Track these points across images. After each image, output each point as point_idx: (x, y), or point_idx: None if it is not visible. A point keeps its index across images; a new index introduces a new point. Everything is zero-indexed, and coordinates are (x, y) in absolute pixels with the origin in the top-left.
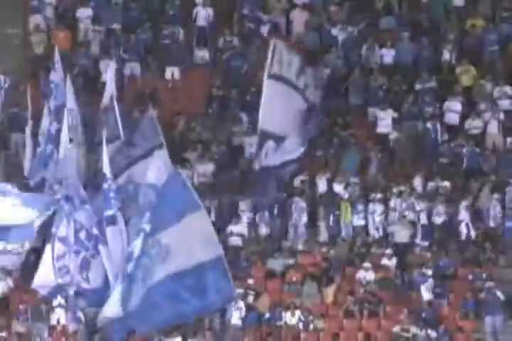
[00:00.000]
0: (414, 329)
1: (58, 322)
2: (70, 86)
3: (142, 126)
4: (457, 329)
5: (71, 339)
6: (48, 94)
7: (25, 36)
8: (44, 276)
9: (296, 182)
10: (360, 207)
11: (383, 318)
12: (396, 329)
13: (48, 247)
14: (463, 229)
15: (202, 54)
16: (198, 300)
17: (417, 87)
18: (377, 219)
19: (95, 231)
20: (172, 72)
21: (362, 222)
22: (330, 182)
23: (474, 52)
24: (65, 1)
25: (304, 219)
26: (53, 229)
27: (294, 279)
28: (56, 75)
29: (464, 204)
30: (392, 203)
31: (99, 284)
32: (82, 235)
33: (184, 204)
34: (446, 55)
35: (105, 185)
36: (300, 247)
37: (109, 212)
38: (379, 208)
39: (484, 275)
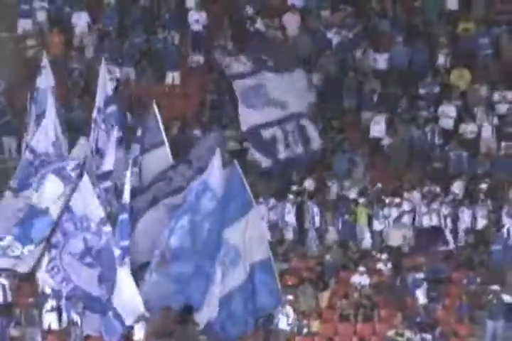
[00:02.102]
0: (408, 334)
1: (50, 326)
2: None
3: (197, 149)
4: (452, 334)
5: None
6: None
7: (19, 40)
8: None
9: (308, 186)
10: (381, 211)
11: (378, 322)
12: (391, 333)
13: (46, 255)
14: (504, 234)
15: (196, 58)
16: (253, 306)
17: (421, 91)
18: (392, 223)
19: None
20: (173, 77)
21: (382, 227)
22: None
23: (468, 57)
24: (58, 5)
25: (317, 223)
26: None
27: (289, 283)
28: (43, 81)
29: (505, 209)
30: (406, 207)
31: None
32: (94, 253)
33: (243, 201)
34: (440, 59)
35: (124, 216)
36: (314, 251)
37: (124, 243)
38: (394, 212)
39: (478, 279)
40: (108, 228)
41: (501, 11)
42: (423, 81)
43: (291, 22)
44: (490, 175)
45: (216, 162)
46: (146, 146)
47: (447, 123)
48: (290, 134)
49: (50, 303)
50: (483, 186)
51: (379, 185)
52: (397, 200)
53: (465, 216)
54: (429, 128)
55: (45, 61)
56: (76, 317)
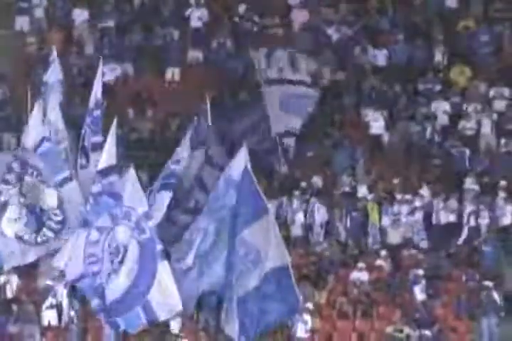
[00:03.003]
0: (407, 330)
1: (49, 323)
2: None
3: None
4: (451, 330)
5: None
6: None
7: (18, 37)
8: (75, 264)
9: (315, 182)
10: (390, 208)
11: (377, 319)
12: (389, 329)
13: (83, 233)
14: None
15: (196, 55)
16: (268, 310)
17: (421, 87)
18: (404, 220)
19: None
20: (172, 73)
21: (390, 223)
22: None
23: (468, 53)
24: (57, 1)
25: (320, 220)
26: (90, 217)
27: None
28: (51, 75)
29: None
30: (417, 204)
31: (114, 297)
32: (106, 245)
33: (257, 206)
34: (440, 57)
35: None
36: (317, 248)
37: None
38: (405, 209)
39: (478, 276)
40: (152, 223)
41: (501, 8)
42: (423, 78)
43: (299, 18)
44: (488, 172)
45: (242, 153)
46: (192, 146)
47: (442, 118)
48: None
49: (50, 300)
50: (503, 183)
51: (385, 181)
52: (407, 197)
53: (485, 213)
54: (428, 125)
55: (54, 55)
56: (74, 314)
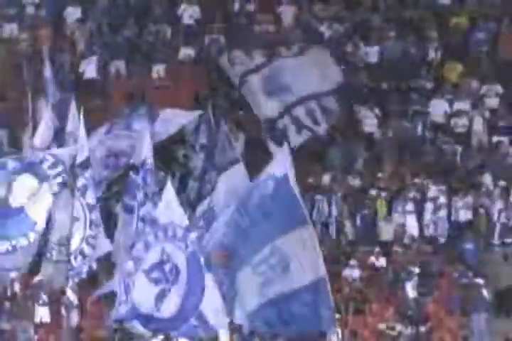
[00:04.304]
0: (400, 327)
1: (41, 320)
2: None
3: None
4: (443, 327)
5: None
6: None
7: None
8: None
9: (325, 179)
10: (400, 205)
11: (369, 316)
12: (382, 326)
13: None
14: None
15: (188, 52)
16: (301, 323)
17: (413, 84)
18: (428, 217)
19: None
20: (158, 70)
21: (402, 221)
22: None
23: (460, 50)
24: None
25: (324, 217)
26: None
27: None
28: (47, 71)
29: None
30: (441, 200)
31: (171, 313)
32: (167, 267)
33: (294, 215)
34: (432, 53)
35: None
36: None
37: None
38: (430, 206)
39: (470, 273)
40: (193, 235)
41: (495, 5)
42: (416, 75)
43: (287, 14)
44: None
45: (282, 155)
46: (219, 165)
47: (438, 117)
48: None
49: (43, 297)
50: None
51: (392, 178)
52: (432, 194)
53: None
54: (420, 122)
55: (44, 53)
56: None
